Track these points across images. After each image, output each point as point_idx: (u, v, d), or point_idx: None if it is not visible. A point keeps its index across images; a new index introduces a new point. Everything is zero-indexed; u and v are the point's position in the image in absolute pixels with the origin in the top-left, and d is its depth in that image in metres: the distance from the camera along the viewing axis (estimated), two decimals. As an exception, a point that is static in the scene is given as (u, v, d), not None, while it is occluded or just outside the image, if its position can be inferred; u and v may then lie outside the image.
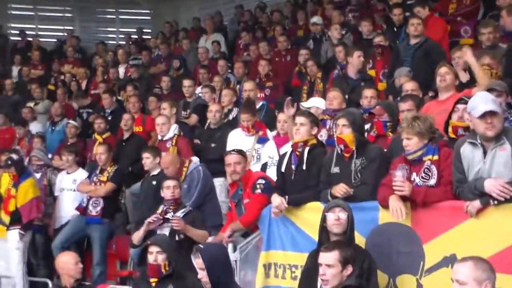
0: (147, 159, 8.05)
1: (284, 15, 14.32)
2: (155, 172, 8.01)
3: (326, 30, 11.57)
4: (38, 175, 9.13)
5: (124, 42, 16.97)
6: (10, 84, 13.88)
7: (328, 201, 5.50)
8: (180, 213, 6.74)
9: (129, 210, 8.92)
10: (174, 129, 8.88)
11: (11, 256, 8.33)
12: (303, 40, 12.04)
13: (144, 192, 8.05)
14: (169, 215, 6.72)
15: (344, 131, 5.75)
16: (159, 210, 6.81)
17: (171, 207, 6.80)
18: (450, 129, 5.60)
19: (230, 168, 6.60)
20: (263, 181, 6.47)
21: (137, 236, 6.87)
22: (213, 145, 8.49)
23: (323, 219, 5.23)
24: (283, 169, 6.27)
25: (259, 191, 6.40)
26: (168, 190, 6.84)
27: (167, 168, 7.59)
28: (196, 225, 6.69)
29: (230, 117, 9.30)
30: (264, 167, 7.70)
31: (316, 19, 12.12)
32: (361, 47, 9.16)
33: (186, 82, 10.57)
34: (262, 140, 7.99)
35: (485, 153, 4.90)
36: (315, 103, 7.92)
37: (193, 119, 9.82)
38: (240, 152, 6.77)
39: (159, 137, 9.00)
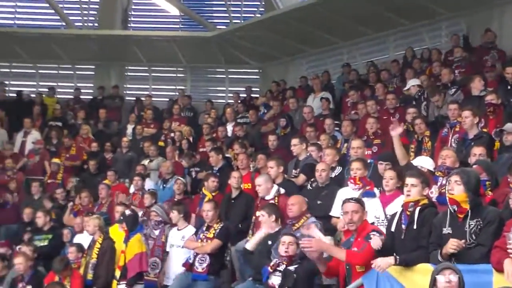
0: (263, 217, 8.05)
1: (392, 74, 14.25)
2: (272, 231, 7.88)
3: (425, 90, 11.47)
4: (156, 232, 9.32)
5: (232, 101, 17.35)
6: (126, 142, 14.47)
7: (439, 262, 5.34)
8: (292, 267, 6.71)
9: (235, 267, 8.93)
10: (275, 191, 8.87)
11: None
12: (411, 98, 11.90)
13: (258, 250, 8.01)
14: (280, 268, 6.72)
15: (455, 188, 5.65)
16: (272, 263, 6.86)
17: (284, 262, 6.81)
18: None
19: (347, 217, 6.50)
20: (377, 234, 6.31)
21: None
22: (319, 202, 8.43)
23: (433, 282, 5.05)
24: (393, 229, 6.19)
25: (371, 241, 6.23)
26: (283, 246, 6.84)
27: (293, 205, 7.59)
28: None
29: (333, 175, 9.21)
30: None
31: (412, 81, 12.04)
32: (473, 106, 8.95)
33: (294, 141, 10.64)
34: (368, 194, 7.86)
35: None
36: (421, 163, 7.79)
37: (301, 179, 9.78)
38: (359, 201, 6.68)
39: (261, 196, 9.00)
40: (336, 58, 17.55)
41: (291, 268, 6.74)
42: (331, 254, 6.43)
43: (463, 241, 5.41)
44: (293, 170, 10.15)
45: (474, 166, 6.74)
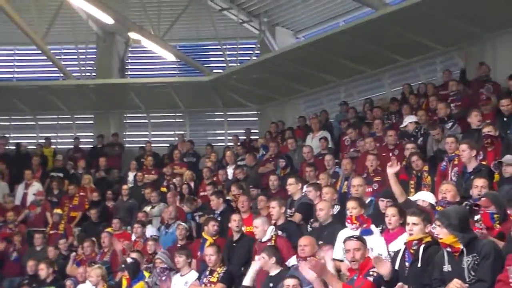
0: (263, 259, 8.02)
1: (390, 110, 14.32)
2: (272, 273, 7.89)
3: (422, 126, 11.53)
4: (163, 278, 9.27)
5: (232, 144, 17.40)
6: (126, 189, 14.48)
7: (443, 300, 5.31)
8: None
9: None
10: (271, 231, 8.83)
11: None
12: (408, 134, 11.94)
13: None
14: None
15: (440, 232, 5.67)
16: None
17: None
18: None
19: (349, 255, 6.52)
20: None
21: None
22: (320, 242, 8.39)
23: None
24: (396, 266, 6.17)
25: (370, 278, 6.24)
26: None
27: (306, 246, 7.59)
28: None
29: (330, 212, 9.16)
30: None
31: (409, 118, 12.11)
32: (471, 139, 8.99)
33: (289, 180, 10.65)
34: (366, 232, 7.82)
35: None
36: (422, 197, 7.78)
37: (297, 218, 9.78)
38: (360, 239, 6.69)
39: (258, 238, 8.96)
40: (333, 96, 17.66)
41: None
42: (329, 283, 6.43)
43: (466, 286, 5.35)
44: (288, 210, 10.14)
45: (482, 199, 6.73)
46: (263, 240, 8.79)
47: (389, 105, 14.69)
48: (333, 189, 9.87)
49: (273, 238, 8.72)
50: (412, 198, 7.90)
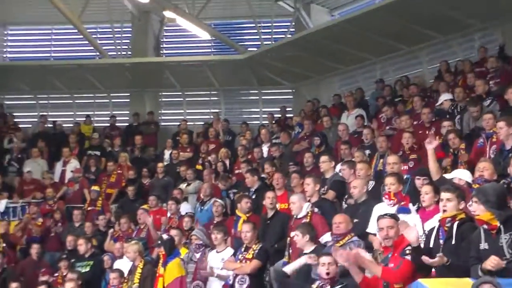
0: (297, 237, 8.05)
1: (426, 88, 14.16)
2: (307, 251, 7.89)
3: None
4: (197, 255, 9.40)
5: (267, 122, 17.40)
6: (162, 167, 14.62)
7: (479, 277, 5.28)
8: None
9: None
10: (306, 207, 8.86)
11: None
12: (445, 112, 11.80)
13: (296, 270, 7.94)
14: None
15: (477, 209, 5.64)
16: (315, 286, 6.84)
17: (327, 285, 6.77)
18: None
19: (383, 233, 6.50)
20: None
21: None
22: (356, 220, 8.38)
23: (472, 296, 5.01)
24: (431, 244, 6.14)
25: (408, 257, 6.17)
26: (323, 267, 6.80)
27: (340, 223, 7.59)
28: None
29: (364, 190, 9.15)
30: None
31: (444, 96, 11.95)
32: (508, 116, 8.85)
33: (322, 158, 10.65)
34: (403, 210, 7.78)
35: None
36: (459, 175, 7.70)
37: (330, 195, 9.78)
38: (393, 216, 6.66)
39: (294, 216, 9.00)
40: (369, 74, 17.52)
41: None
42: (367, 268, 6.40)
43: (503, 263, 5.32)
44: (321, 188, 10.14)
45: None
46: (299, 216, 8.81)
47: (424, 82, 14.55)
48: (368, 165, 9.81)
49: (309, 215, 8.75)
50: (448, 176, 7.83)
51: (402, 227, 6.19)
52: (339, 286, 6.70)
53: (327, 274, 6.75)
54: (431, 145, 8.21)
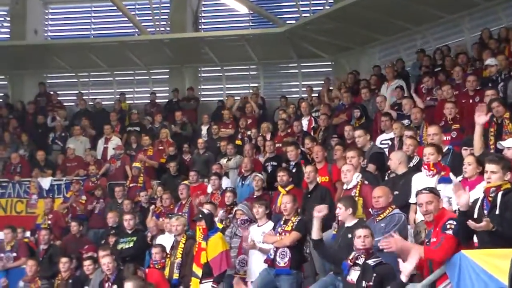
0: (340, 209, 8.01)
1: (468, 57, 13.87)
2: (349, 224, 7.87)
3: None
4: (243, 229, 9.39)
5: (306, 95, 17.29)
6: (202, 143, 14.67)
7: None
8: (371, 261, 6.64)
9: (315, 261, 8.88)
10: (357, 176, 8.80)
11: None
12: (488, 80, 11.54)
13: (339, 243, 7.91)
14: (359, 261, 6.70)
15: None
16: (351, 256, 6.84)
17: (362, 255, 6.77)
18: None
19: (422, 208, 6.46)
20: (455, 222, 6.18)
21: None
22: (396, 192, 8.28)
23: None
24: (475, 215, 6.05)
25: (449, 232, 6.14)
26: (359, 239, 6.80)
27: (380, 197, 7.57)
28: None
29: (411, 164, 9.04)
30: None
31: (489, 61, 11.66)
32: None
33: (358, 133, 10.54)
34: (444, 180, 7.67)
35: None
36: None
37: (372, 168, 9.70)
38: (432, 191, 6.59)
39: (344, 186, 8.96)
40: (409, 44, 17.22)
41: (370, 262, 6.66)
42: (410, 251, 6.32)
43: None
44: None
45: None
46: (349, 187, 8.77)
47: (466, 51, 14.25)
48: (414, 140, 9.61)
49: (359, 184, 8.69)
50: (505, 143, 7.66)
51: (455, 188, 6.08)
52: (374, 259, 6.67)
53: (363, 246, 6.73)
54: (480, 120, 8.00)
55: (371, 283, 6.48)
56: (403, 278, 6.09)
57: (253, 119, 15.91)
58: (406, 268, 6.08)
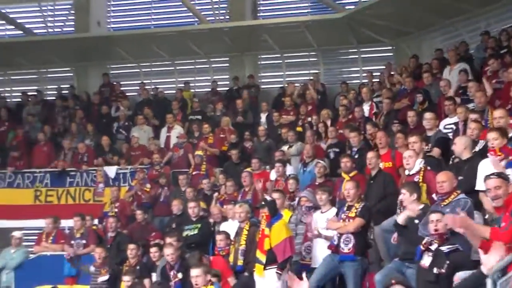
0: (403, 195, 7.97)
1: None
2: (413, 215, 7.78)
3: None
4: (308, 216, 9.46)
5: (367, 80, 17.15)
6: (263, 130, 14.74)
7: None
8: (445, 248, 6.58)
9: (379, 247, 8.86)
10: (419, 162, 8.72)
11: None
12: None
13: (408, 229, 7.83)
14: (432, 247, 6.66)
15: None
16: (424, 241, 6.82)
17: (436, 241, 6.73)
18: None
19: (491, 194, 6.38)
20: None
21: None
22: (460, 178, 8.18)
23: None
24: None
25: None
26: (432, 224, 6.78)
27: (444, 182, 7.53)
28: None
29: (477, 148, 8.90)
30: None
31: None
32: None
33: (427, 115, 10.40)
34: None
35: None
36: None
37: (436, 152, 9.58)
38: (500, 175, 6.49)
39: (406, 172, 8.89)
40: (472, 27, 16.85)
41: (444, 248, 6.60)
42: (476, 232, 6.24)
43: None
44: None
45: None
46: (412, 172, 8.71)
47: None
48: (479, 124, 9.46)
49: (422, 170, 8.62)
50: None
51: None
52: (448, 246, 6.59)
53: (436, 231, 6.69)
54: None
55: (442, 270, 6.43)
56: (484, 270, 5.88)
57: (313, 106, 15.88)
58: (489, 261, 5.89)
